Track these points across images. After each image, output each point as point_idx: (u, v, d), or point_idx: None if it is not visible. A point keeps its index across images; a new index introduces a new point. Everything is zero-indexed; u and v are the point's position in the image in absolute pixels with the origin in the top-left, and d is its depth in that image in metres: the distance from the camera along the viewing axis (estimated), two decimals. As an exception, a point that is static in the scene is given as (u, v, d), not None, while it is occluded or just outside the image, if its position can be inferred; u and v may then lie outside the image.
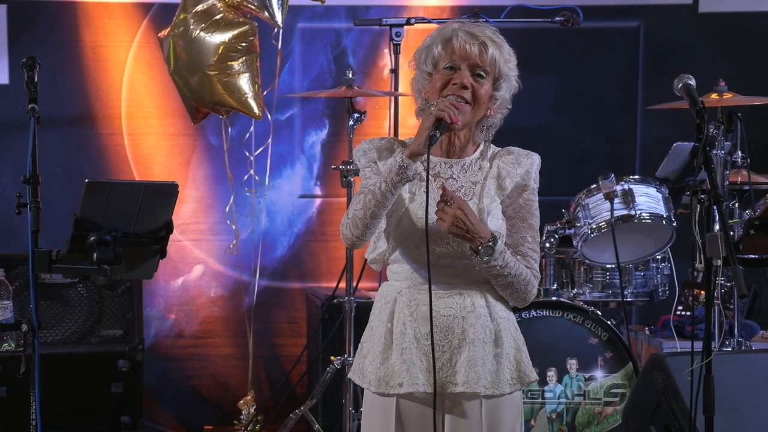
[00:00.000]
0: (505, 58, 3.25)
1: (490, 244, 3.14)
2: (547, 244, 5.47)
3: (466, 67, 3.20)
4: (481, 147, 3.31)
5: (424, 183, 3.16)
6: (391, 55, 5.70)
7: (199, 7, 5.77)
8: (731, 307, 5.41)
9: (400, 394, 3.22)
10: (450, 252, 3.21)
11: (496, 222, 3.22)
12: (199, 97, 5.83)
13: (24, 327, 3.26)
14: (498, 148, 3.33)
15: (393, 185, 3.13)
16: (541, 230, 5.50)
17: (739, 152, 5.39)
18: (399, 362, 3.21)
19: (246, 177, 6.35)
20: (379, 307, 3.30)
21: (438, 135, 3.11)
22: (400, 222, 3.23)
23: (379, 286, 3.37)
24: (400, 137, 5.65)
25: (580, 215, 5.47)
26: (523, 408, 3.36)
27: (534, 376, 3.32)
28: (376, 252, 3.30)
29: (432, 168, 3.22)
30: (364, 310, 5.74)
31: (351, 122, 5.48)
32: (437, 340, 3.21)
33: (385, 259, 3.31)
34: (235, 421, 6.19)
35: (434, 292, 3.20)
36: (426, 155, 3.12)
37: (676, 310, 5.78)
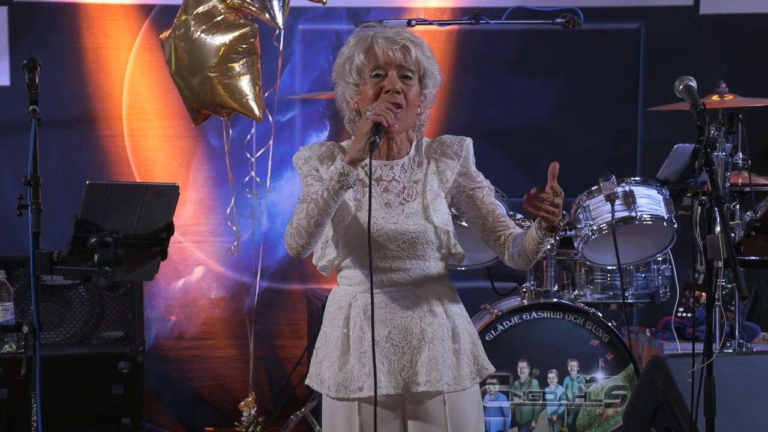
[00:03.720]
0: (427, 56, 3.25)
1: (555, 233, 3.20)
2: (548, 246, 5.46)
3: (393, 71, 3.21)
4: (414, 142, 3.33)
5: (368, 188, 3.19)
6: (391, 56, 5.68)
7: (200, 9, 5.77)
8: (732, 308, 5.41)
9: (361, 398, 3.23)
10: (402, 254, 3.24)
11: (441, 217, 3.27)
12: (200, 98, 5.84)
13: (25, 329, 3.26)
14: (429, 140, 3.36)
15: (335, 193, 3.14)
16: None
17: (740, 154, 5.40)
18: (358, 366, 3.23)
19: (247, 178, 6.35)
20: (333, 312, 3.33)
21: (378, 140, 3.11)
22: (348, 230, 3.25)
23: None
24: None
25: (581, 217, 5.47)
26: (481, 401, 3.39)
27: (491, 368, 3.35)
28: (325, 259, 3.33)
29: (374, 172, 3.26)
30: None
31: (352, 124, 5.48)
32: (397, 341, 3.25)
33: (335, 266, 3.33)
34: (235, 423, 6.19)
35: (389, 294, 3.25)
36: (367, 160, 3.12)
37: (677, 311, 5.78)
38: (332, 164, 3.23)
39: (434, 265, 3.29)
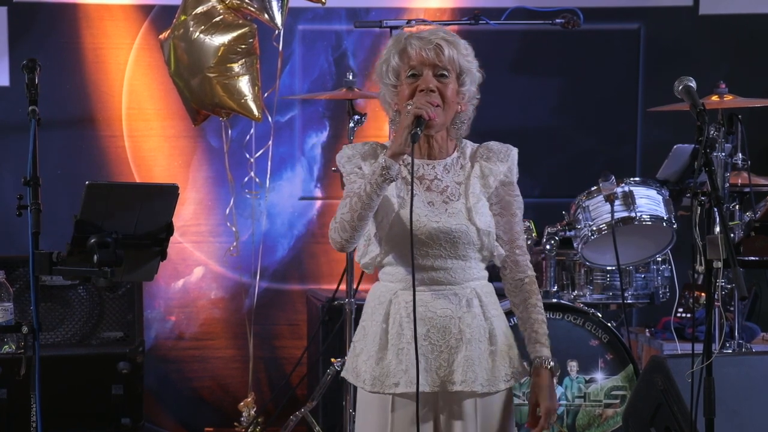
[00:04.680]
0: (462, 53, 3.30)
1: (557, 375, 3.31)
2: (548, 246, 5.47)
3: (428, 70, 3.24)
4: (460, 145, 3.36)
5: (410, 181, 3.22)
6: (391, 57, 5.69)
7: (199, 9, 5.77)
8: (732, 309, 5.41)
9: (396, 394, 3.25)
10: (443, 253, 3.25)
11: (484, 219, 3.28)
12: (200, 99, 5.84)
13: (24, 329, 3.26)
14: (476, 145, 3.38)
15: (377, 186, 3.16)
16: (541, 232, 5.50)
17: (740, 154, 5.39)
18: (395, 362, 3.25)
19: (246, 179, 6.35)
20: (372, 308, 3.34)
21: (419, 132, 3.15)
22: (392, 227, 3.26)
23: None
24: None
25: (581, 217, 5.47)
26: (513, 403, 3.40)
27: (527, 372, 3.37)
28: (368, 256, 3.34)
29: (416, 171, 3.29)
30: (364, 312, 5.75)
31: (351, 124, 5.48)
32: (435, 340, 3.26)
33: (377, 263, 3.35)
34: (235, 423, 6.19)
35: (430, 292, 3.26)
36: (408, 154, 3.15)
37: (676, 312, 5.78)
38: (375, 162, 3.25)
39: (475, 266, 3.31)
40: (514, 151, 3.37)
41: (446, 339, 3.26)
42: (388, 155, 3.16)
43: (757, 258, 5.16)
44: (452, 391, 3.25)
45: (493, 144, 3.37)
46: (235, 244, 6.37)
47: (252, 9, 5.75)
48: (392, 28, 5.60)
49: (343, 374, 3.41)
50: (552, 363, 3.33)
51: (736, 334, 5.37)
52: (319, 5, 6.00)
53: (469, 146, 3.37)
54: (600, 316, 5.23)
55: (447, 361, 3.25)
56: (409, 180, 3.23)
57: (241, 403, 6.18)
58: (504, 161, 3.34)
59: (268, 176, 6.32)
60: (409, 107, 3.18)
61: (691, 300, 5.78)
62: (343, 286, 5.53)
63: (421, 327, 3.24)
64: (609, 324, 5.23)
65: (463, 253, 3.26)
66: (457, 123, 3.32)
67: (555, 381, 5.21)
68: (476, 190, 3.30)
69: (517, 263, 3.36)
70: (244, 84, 5.75)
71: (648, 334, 5.97)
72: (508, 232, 3.34)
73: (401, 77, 3.27)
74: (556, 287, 5.49)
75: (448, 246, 3.24)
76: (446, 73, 3.25)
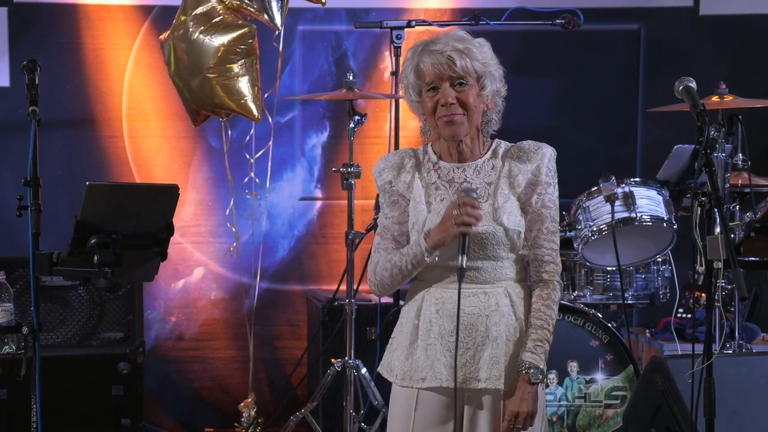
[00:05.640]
0: (476, 58, 3.29)
1: (540, 379, 3.30)
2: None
3: (446, 83, 3.26)
4: (492, 146, 3.39)
5: (441, 191, 3.31)
6: (391, 57, 5.70)
7: (199, 10, 5.76)
8: (732, 309, 5.41)
9: (422, 388, 3.30)
10: (472, 254, 3.28)
11: (513, 219, 3.30)
12: (200, 99, 5.83)
13: (25, 329, 3.26)
14: (509, 144, 3.40)
15: (418, 264, 3.27)
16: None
17: (740, 155, 5.39)
18: (423, 357, 3.31)
19: (246, 179, 6.35)
20: (408, 304, 3.40)
21: (467, 249, 3.19)
22: (422, 231, 3.30)
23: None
24: (401, 140, 5.67)
25: (581, 218, 5.47)
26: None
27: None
28: None
29: (446, 175, 3.35)
30: (364, 313, 5.76)
31: (351, 125, 5.48)
32: (462, 337, 3.30)
33: None
34: (235, 424, 6.19)
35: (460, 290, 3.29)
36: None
37: (676, 312, 5.78)
38: (403, 173, 3.35)
39: (507, 266, 3.33)
40: (545, 150, 3.37)
41: (473, 336, 3.30)
42: (430, 245, 3.23)
43: (757, 258, 5.16)
44: (477, 388, 3.29)
45: (525, 143, 3.39)
46: (235, 244, 6.37)
47: (252, 9, 5.75)
48: (392, 28, 5.61)
49: (378, 369, 3.45)
50: (532, 370, 3.26)
51: (737, 334, 5.37)
52: (319, 6, 6.00)
53: (503, 146, 3.39)
54: (600, 316, 5.23)
55: (473, 358, 3.29)
56: (439, 185, 3.31)
57: (242, 404, 6.18)
58: (533, 160, 3.34)
59: (268, 177, 6.32)
60: (454, 222, 3.18)
61: (691, 300, 5.78)
62: (343, 287, 5.53)
63: (449, 324, 3.30)
64: (609, 324, 5.23)
65: (492, 253, 3.29)
66: (484, 120, 3.35)
67: (555, 381, 5.21)
68: (504, 190, 3.32)
69: (535, 262, 3.37)
70: (243, 84, 5.74)
71: (648, 334, 5.97)
72: (531, 231, 3.34)
73: (422, 93, 3.30)
74: (556, 288, 5.48)
75: (476, 248, 3.28)
76: (464, 81, 3.26)
